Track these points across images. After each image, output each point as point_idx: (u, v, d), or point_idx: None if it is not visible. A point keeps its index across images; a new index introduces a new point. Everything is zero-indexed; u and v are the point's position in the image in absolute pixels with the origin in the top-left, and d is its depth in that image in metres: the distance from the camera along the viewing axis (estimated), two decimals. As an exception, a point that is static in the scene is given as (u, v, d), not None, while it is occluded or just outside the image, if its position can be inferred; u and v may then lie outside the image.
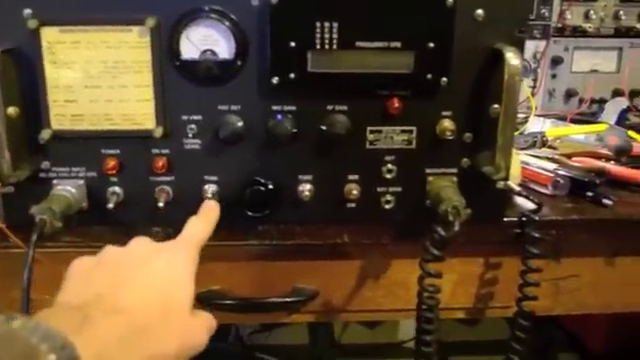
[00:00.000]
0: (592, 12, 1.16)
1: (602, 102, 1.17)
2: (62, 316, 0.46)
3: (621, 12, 1.16)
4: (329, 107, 0.66)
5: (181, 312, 0.52)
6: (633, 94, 1.17)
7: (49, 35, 0.63)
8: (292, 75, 0.64)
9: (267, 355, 1.84)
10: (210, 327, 0.56)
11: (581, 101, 1.17)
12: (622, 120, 1.11)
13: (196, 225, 0.61)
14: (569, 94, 1.18)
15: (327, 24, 0.62)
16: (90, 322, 0.45)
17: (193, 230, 0.60)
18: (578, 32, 1.16)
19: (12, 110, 0.63)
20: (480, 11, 0.64)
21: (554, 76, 1.17)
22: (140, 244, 0.57)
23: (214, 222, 0.63)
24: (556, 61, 1.16)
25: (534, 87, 1.15)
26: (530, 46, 1.14)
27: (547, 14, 1.14)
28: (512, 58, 0.62)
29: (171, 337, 0.51)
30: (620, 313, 0.84)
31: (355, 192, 0.68)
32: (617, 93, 1.17)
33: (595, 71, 1.18)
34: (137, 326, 0.48)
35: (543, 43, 1.14)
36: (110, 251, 0.56)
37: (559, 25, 1.15)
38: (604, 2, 1.16)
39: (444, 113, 0.67)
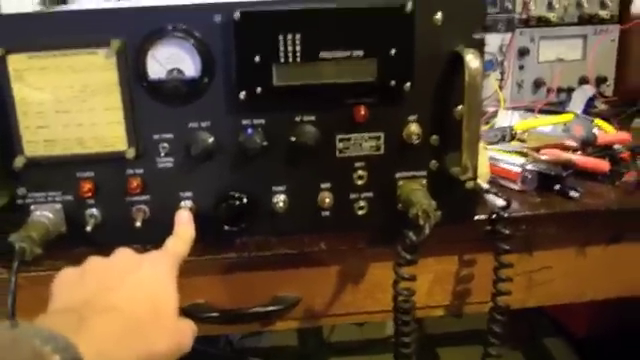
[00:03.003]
0: (555, 1, 1.16)
1: (570, 90, 1.17)
2: (59, 319, 0.47)
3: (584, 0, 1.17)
4: (297, 118, 0.67)
5: (170, 314, 0.54)
6: (599, 80, 1.19)
7: (17, 62, 0.63)
8: (259, 89, 0.64)
9: (257, 358, 1.85)
10: (193, 333, 0.57)
11: (549, 91, 1.18)
12: (589, 108, 1.13)
13: (174, 244, 0.62)
14: (537, 84, 1.18)
15: (290, 37, 0.63)
16: (86, 322, 0.47)
17: (173, 247, 0.62)
18: (542, 22, 1.16)
19: (-17, 139, 0.63)
20: (439, 15, 0.65)
21: (521, 67, 1.18)
22: (124, 254, 0.59)
23: (191, 238, 0.64)
24: (522, 52, 1.16)
25: (502, 80, 1.16)
26: (496, 39, 1.14)
27: (511, 6, 1.15)
28: (472, 60, 0.63)
29: (162, 336, 0.52)
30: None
31: (328, 200, 0.69)
32: (583, 81, 1.18)
33: (561, 60, 1.18)
34: (131, 324, 0.50)
35: (508, 35, 1.15)
36: (94, 261, 0.57)
37: (523, 16, 1.16)
38: (567, -10, 1.17)
39: (410, 117, 0.68)
